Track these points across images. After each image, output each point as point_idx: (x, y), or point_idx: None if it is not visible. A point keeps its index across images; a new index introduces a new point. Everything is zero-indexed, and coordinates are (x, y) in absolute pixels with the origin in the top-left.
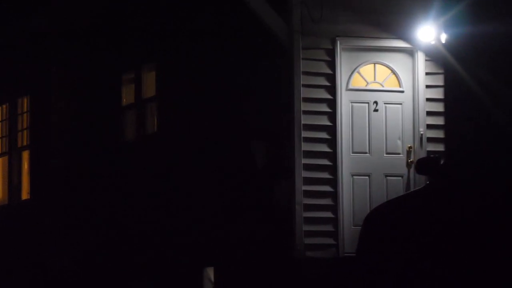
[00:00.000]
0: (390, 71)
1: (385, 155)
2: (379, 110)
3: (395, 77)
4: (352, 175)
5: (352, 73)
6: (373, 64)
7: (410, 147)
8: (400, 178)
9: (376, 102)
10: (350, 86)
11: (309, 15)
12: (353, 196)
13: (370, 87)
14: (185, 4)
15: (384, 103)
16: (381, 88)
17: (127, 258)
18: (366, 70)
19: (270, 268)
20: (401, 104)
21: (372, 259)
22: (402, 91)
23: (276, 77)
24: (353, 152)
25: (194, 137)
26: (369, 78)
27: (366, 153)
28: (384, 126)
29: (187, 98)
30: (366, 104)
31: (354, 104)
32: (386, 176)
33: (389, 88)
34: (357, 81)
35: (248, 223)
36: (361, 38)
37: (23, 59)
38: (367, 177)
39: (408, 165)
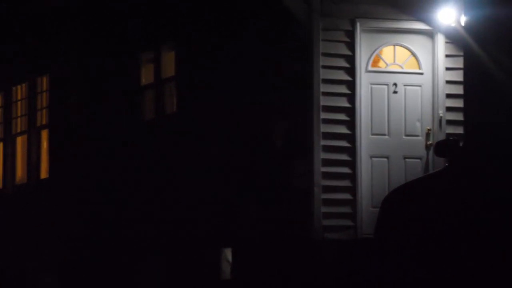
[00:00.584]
0: (409, 53)
1: (404, 137)
2: (398, 92)
3: (414, 59)
4: (371, 157)
5: (371, 55)
6: (392, 46)
7: (429, 130)
8: (419, 160)
9: (395, 84)
10: (370, 68)
11: None
12: (372, 178)
13: (389, 69)
14: None
15: (404, 85)
16: (400, 70)
17: (143, 238)
18: (386, 52)
19: (288, 249)
20: (420, 86)
21: (390, 241)
22: (422, 73)
23: (295, 58)
24: (372, 134)
25: (213, 117)
26: (389, 60)
27: (385, 135)
28: (403, 108)
29: (206, 78)
30: (386, 86)
31: (374, 86)
32: (405, 158)
33: (409, 70)
34: (376, 63)
35: (266, 203)
36: (381, 20)
37: (42, 37)
38: (385, 159)
39: (427, 147)
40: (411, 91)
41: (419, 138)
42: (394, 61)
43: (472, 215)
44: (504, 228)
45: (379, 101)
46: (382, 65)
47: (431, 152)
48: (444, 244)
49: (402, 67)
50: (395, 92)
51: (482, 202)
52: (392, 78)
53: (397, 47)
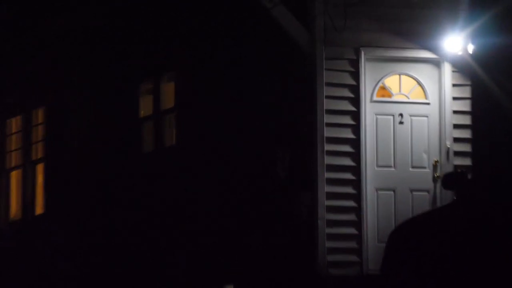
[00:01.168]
0: (415, 83)
1: (410, 169)
2: (404, 123)
3: (421, 89)
4: (377, 190)
5: (376, 84)
6: (398, 75)
7: (436, 161)
8: (426, 193)
9: (401, 115)
10: (375, 98)
11: (333, 25)
12: (378, 211)
13: (395, 99)
14: (206, 13)
15: (410, 116)
16: (406, 100)
17: (143, 274)
18: (391, 81)
19: (292, 285)
20: (427, 116)
21: (397, 278)
22: (428, 103)
23: (298, 87)
24: (377, 166)
25: (214, 148)
26: (394, 89)
27: (391, 167)
28: (410, 139)
29: (207, 109)
30: (391, 117)
31: (379, 117)
32: (412, 191)
33: (415, 100)
34: (382, 93)
35: (269, 236)
36: (386, 48)
37: (37, 68)
38: (392, 192)
39: (435, 179)
40: (418, 122)
41: (426, 170)
42: (400, 91)
43: (483, 250)
44: None
45: (384, 132)
46: (387, 95)
47: (438, 184)
48: (454, 282)
49: (408, 97)
50: (401, 122)
51: (493, 236)
52: (397, 108)
53: (403, 76)
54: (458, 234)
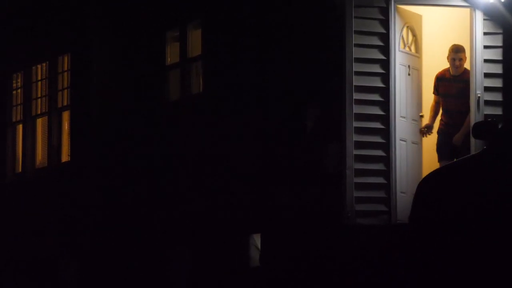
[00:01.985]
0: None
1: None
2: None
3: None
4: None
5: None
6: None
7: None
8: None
9: None
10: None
11: None
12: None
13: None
14: None
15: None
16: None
17: (169, 223)
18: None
19: (320, 235)
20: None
21: (426, 227)
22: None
23: (327, 36)
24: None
25: (241, 98)
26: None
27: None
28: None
29: (234, 58)
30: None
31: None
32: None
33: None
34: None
35: (296, 187)
36: None
37: (63, 15)
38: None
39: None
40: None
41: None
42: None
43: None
44: None
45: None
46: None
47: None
48: (481, 231)
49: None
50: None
51: None
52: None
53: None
54: (487, 182)
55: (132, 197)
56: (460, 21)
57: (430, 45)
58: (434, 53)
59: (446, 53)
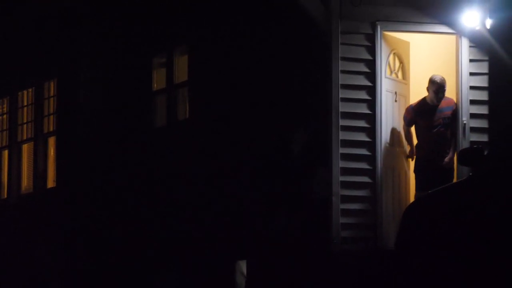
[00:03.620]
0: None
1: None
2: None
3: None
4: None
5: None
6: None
7: None
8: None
9: None
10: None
11: None
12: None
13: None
14: None
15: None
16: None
17: (154, 249)
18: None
19: (306, 261)
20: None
21: (412, 254)
22: None
23: (313, 62)
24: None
25: (228, 124)
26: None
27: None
28: None
29: (221, 83)
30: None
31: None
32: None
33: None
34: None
35: (283, 214)
36: (402, 23)
37: (50, 40)
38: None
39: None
40: None
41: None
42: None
43: (498, 225)
44: None
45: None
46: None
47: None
48: (469, 257)
49: None
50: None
51: (508, 210)
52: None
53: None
54: (473, 209)
55: (117, 222)
56: (447, 48)
57: (418, 72)
58: (422, 79)
59: None
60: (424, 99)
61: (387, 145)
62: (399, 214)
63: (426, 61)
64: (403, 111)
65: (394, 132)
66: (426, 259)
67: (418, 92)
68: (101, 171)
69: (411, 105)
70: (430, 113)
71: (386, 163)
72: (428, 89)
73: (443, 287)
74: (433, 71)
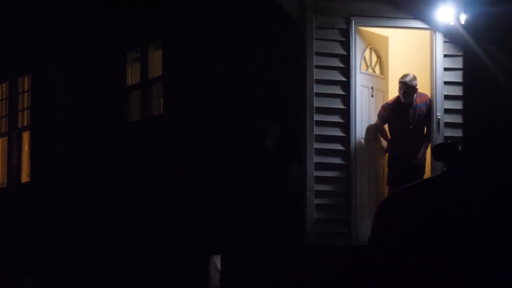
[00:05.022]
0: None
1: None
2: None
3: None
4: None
5: (363, 54)
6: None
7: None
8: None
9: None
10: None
11: None
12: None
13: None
14: None
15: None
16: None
17: (129, 243)
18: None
19: (280, 256)
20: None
21: (385, 249)
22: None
23: (288, 58)
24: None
25: (201, 119)
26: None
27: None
28: None
29: (195, 79)
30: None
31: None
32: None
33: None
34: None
35: (257, 209)
36: (377, 18)
37: (24, 35)
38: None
39: None
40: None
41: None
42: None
43: (471, 220)
44: (504, 233)
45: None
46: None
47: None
48: (442, 252)
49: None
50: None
51: (481, 208)
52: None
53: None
54: (447, 204)
55: (92, 217)
56: (423, 43)
57: (397, 67)
58: (400, 74)
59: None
60: (399, 96)
61: (363, 140)
62: (375, 209)
63: (404, 56)
64: (380, 106)
65: (370, 127)
66: (399, 255)
67: (397, 87)
68: (75, 165)
69: (387, 102)
70: (406, 111)
71: (362, 158)
72: (398, 88)
73: (416, 282)
74: (410, 66)
